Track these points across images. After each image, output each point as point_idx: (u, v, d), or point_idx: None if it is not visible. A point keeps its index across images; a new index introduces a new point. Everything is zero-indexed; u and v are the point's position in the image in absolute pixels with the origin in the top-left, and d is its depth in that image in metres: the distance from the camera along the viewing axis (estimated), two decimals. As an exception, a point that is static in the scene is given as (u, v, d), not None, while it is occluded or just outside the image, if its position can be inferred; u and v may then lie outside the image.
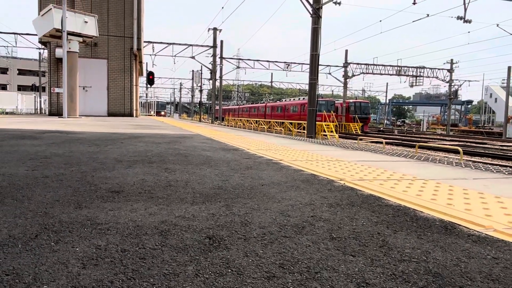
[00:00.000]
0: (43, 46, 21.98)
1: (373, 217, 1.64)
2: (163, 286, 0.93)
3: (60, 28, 12.79)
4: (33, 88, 41.66)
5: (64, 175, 2.34)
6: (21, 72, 59.96)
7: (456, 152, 14.66)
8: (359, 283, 0.99)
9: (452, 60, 37.42)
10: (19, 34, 28.52)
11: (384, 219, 1.61)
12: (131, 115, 19.08)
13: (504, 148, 17.96)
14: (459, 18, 19.62)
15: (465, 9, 18.63)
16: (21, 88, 56.95)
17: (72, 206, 1.64)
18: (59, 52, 15.93)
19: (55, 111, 17.28)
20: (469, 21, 19.88)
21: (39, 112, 39.21)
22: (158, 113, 58.91)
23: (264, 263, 1.10)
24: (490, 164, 3.40)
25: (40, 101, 40.55)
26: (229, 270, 1.04)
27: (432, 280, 1.02)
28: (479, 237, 1.41)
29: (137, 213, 1.56)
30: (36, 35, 15.86)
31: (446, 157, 4.28)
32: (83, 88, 17.45)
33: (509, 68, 29.75)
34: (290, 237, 1.34)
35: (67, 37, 12.97)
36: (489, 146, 19.11)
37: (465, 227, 1.54)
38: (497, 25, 21.29)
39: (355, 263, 1.12)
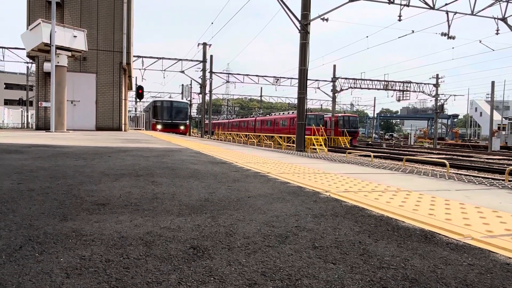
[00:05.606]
0: (31, 60, 21.87)
1: (356, 227, 1.67)
2: (146, 294, 0.95)
3: (49, 42, 12.77)
4: (20, 102, 41.28)
5: (50, 188, 2.33)
6: (8, 86, 59.50)
7: (443, 165, 14.88)
8: (338, 289, 1.02)
9: (437, 75, 38.29)
10: (7, 48, 28.42)
11: (366, 229, 1.64)
12: (119, 129, 18.98)
13: (490, 161, 18.27)
14: (443, 34, 20.15)
15: (449, 26, 19.15)
16: (8, 102, 56.42)
17: (57, 218, 1.64)
18: (47, 66, 15.87)
19: (43, 126, 17.11)
20: (453, 37, 20.44)
21: (26, 126, 38.74)
22: (171, 127, 28.68)
23: (247, 271, 1.12)
24: (473, 176, 3.48)
25: (27, 115, 40.13)
26: (212, 278, 1.06)
27: (408, 286, 1.05)
28: (457, 245, 1.45)
29: (122, 224, 1.57)
30: (24, 49, 15.80)
31: (433, 170, 4.36)
32: (71, 102, 17.35)
33: (493, 83, 30.53)
34: (274, 246, 1.36)
35: (56, 51, 12.95)
36: (475, 159, 19.42)
37: (444, 235, 1.58)
38: (480, 41, 21.91)
39: (335, 270, 1.15)
